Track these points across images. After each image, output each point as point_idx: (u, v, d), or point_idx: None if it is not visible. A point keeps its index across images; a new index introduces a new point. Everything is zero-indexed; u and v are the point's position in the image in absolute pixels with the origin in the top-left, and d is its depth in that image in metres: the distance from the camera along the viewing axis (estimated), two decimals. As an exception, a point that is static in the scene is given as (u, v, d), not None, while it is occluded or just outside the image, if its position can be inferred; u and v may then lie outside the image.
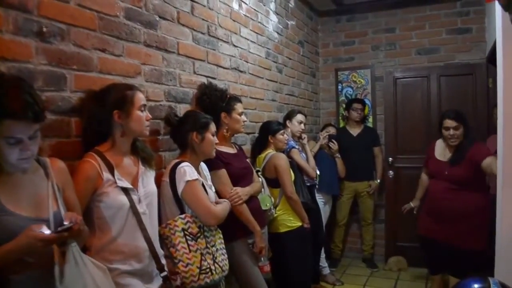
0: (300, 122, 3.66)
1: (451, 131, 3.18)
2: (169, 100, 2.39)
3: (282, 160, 3.05)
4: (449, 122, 3.19)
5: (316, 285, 3.85)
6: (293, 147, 3.53)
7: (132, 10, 2.10)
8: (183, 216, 2.05)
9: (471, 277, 1.53)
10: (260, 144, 3.24)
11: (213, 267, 2.05)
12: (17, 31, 1.53)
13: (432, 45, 4.59)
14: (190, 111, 2.43)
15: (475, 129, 4.14)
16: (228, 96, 2.69)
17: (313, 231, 3.29)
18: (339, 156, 4.24)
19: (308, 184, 3.56)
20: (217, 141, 2.32)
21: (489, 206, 3.06)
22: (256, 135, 3.34)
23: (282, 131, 3.22)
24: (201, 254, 2.03)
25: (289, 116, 3.72)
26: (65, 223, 1.28)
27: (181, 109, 2.48)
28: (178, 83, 2.46)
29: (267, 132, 3.20)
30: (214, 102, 2.57)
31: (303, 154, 3.67)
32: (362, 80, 4.93)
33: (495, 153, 2.67)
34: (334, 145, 4.16)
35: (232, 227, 2.40)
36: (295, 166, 3.31)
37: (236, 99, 2.74)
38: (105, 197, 1.68)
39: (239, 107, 2.68)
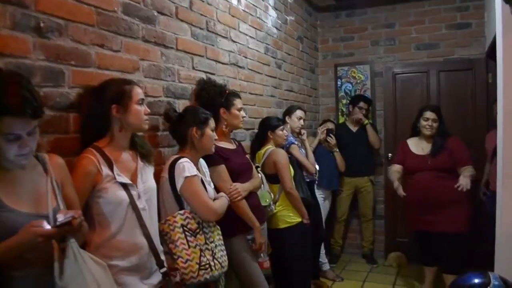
0: (300, 118, 3.66)
1: (430, 122, 3.43)
2: (168, 96, 2.38)
3: (281, 156, 3.05)
4: (429, 114, 3.46)
5: (316, 281, 3.86)
6: (293, 143, 3.52)
7: (130, 5, 2.09)
8: (182, 212, 2.04)
9: (471, 272, 1.54)
10: (259, 140, 3.23)
11: (212, 263, 2.04)
12: (14, 27, 1.52)
13: (432, 40, 4.58)
14: (190, 107, 2.42)
15: (474, 125, 4.20)
16: (227, 91, 2.68)
17: (312, 227, 3.29)
18: (337, 150, 4.24)
19: (308, 180, 3.56)
20: (216, 137, 2.31)
21: (470, 191, 3.26)
22: (256, 131, 3.33)
23: (281, 127, 3.21)
24: (200, 250, 2.03)
25: (289, 112, 3.71)
26: (59, 219, 1.27)
27: (180, 105, 2.47)
28: (177, 79, 2.45)
29: (266, 128, 3.19)
30: (213, 97, 2.56)
31: (303, 150, 3.67)
32: (361, 76, 4.92)
33: (494, 149, 2.67)
34: (332, 140, 4.16)
35: (232, 223, 2.41)
36: (294, 162, 3.31)
37: (235, 94, 2.73)
38: (105, 193, 1.67)
39: (238, 102, 2.67)
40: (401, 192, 3.40)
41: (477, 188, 3.60)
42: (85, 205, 1.65)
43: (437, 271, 3.57)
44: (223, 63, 2.93)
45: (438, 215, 3.31)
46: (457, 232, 3.28)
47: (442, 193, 3.30)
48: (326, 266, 4.18)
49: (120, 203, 1.70)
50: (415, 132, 3.57)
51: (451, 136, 3.46)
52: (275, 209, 3.00)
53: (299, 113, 3.67)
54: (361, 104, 4.54)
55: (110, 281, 1.50)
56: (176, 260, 1.98)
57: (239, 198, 2.46)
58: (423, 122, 3.46)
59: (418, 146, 3.52)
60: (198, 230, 2.06)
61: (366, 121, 4.53)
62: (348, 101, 4.81)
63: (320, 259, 4.06)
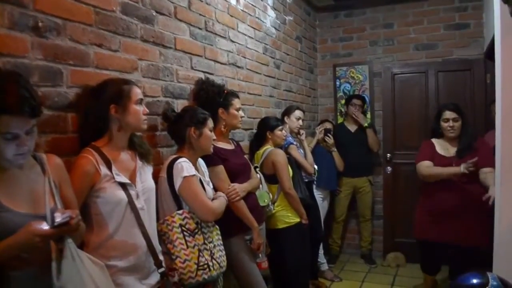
0: (298, 118, 3.66)
1: (451, 122, 3.18)
2: (166, 95, 2.37)
3: (280, 156, 3.04)
4: (448, 114, 3.20)
5: (314, 281, 3.86)
6: (291, 143, 3.52)
7: (129, 5, 2.09)
8: (180, 212, 2.04)
9: (470, 272, 1.54)
10: (258, 140, 3.23)
11: (210, 263, 2.04)
12: (12, 26, 1.51)
13: (430, 40, 4.58)
14: (188, 107, 2.42)
15: (472, 125, 4.17)
16: (225, 91, 2.68)
17: (311, 227, 3.29)
18: (335, 150, 4.24)
19: (306, 180, 3.56)
20: (214, 137, 2.31)
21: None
22: (254, 131, 3.33)
23: (280, 127, 3.21)
24: (199, 250, 2.02)
25: (287, 112, 3.71)
26: (57, 219, 1.27)
27: (179, 105, 2.46)
28: (175, 79, 2.45)
29: (265, 128, 3.19)
30: (211, 97, 2.56)
31: (301, 150, 3.67)
32: (360, 76, 4.92)
33: (493, 149, 2.67)
34: (330, 139, 4.16)
35: (230, 223, 2.40)
36: (293, 162, 3.31)
37: (234, 94, 2.73)
38: (103, 193, 1.67)
39: (236, 102, 2.67)
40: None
41: None
42: (83, 205, 1.64)
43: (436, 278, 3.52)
44: (221, 63, 2.93)
45: (461, 226, 3.04)
46: (474, 246, 2.98)
47: (466, 201, 3.02)
48: (325, 266, 4.18)
49: (119, 202, 1.70)
50: (436, 135, 3.31)
51: (478, 138, 3.20)
52: (274, 209, 3.00)
53: (297, 113, 3.67)
54: (354, 101, 4.54)
55: (108, 281, 1.50)
56: (174, 260, 1.98)
57: (237, 198, 2.45)
58: (443, 124, 3.20)
59: (443, 147, 3.24)
60: (196, 230, 2.06)
61: (366, 124, 4.53)
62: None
63: (319, 259, 4.06)
